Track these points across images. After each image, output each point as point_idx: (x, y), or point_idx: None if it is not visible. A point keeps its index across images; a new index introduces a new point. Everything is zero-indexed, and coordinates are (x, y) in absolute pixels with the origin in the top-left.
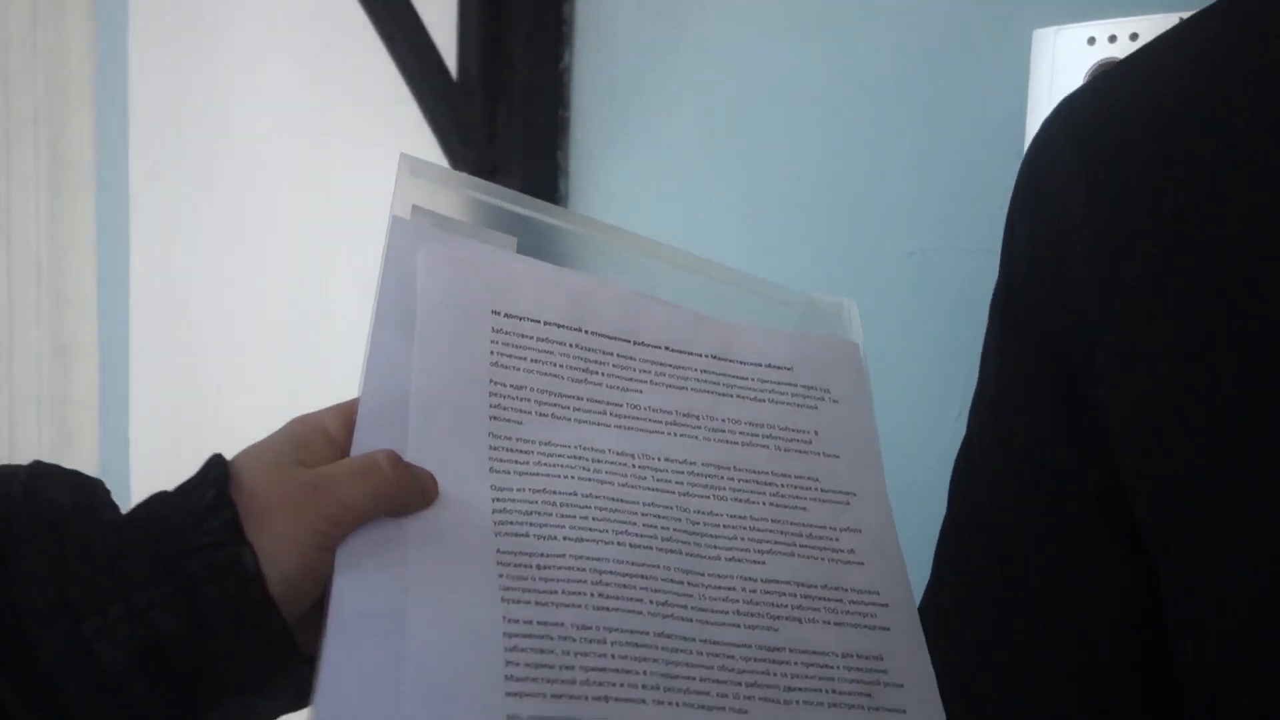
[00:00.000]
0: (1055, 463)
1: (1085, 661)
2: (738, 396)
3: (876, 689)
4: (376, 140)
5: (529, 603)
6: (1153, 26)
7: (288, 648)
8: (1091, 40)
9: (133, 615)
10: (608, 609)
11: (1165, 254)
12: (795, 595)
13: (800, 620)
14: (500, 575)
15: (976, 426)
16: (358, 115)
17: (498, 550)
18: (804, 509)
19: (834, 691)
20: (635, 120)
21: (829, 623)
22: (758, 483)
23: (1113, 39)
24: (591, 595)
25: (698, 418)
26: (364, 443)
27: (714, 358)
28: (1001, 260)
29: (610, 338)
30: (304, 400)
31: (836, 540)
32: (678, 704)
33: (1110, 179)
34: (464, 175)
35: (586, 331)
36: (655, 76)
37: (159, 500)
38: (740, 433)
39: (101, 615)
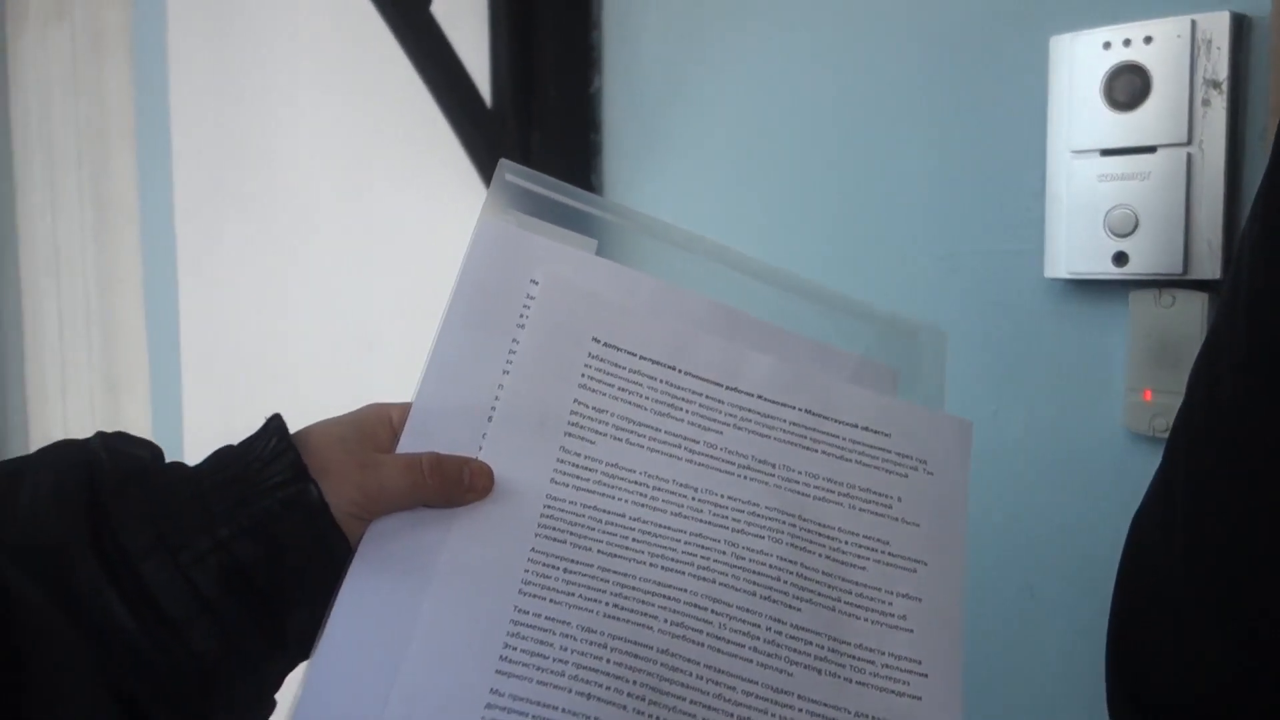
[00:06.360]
0: None
1: None
2: (823, 452)
3: None
4: (415, 169)
5: (544, 599)
6: (1167, 30)
7: (348, 564)
8: (1107, 45)
9: (219, 547)
10: (618, 619)
11: None
12: (823, 647)
13: (819, 671)
14: (526, 571)
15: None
16: (396, 145)
17: (532, 549)
18: (863, 568)
19: None
20: (665, 140)
21: (851, 680)
22: (820, 535)
23: (1127, 43)
24: (607, 604)
25: (774, 465)
26: (411, 440)
27: (809, 412)
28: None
29: (703, 379)
30: None
31: (889, 604)
32: (658, 718)
33: None
34: (558, 181)
35: (680, 371)
36: (683, 97)
37: (226, 452)
38: (815, 486)
39: (193, 548)
